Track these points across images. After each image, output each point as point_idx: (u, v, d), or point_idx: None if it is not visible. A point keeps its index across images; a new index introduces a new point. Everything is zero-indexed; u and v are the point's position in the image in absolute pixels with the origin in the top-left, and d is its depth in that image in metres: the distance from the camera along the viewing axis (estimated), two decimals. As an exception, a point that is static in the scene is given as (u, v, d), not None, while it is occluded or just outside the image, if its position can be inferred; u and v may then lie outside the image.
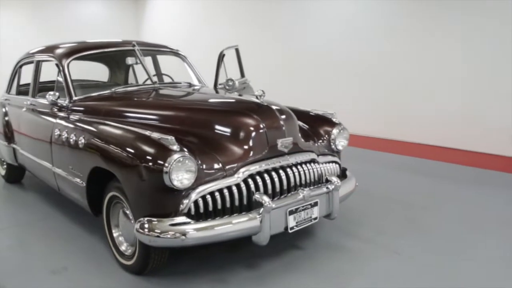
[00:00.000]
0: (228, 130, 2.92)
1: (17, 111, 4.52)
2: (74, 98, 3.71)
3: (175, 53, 4.76)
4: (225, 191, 2.70)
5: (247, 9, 9.30)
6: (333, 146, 3.48)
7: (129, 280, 2.92)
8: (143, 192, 2.62)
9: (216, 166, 2.73)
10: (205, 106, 3.28)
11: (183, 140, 2.84)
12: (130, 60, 4.21)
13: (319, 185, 3.13)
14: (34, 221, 4.02)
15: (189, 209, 2.60)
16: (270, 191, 2.84)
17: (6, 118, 4.78)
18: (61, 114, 3.67)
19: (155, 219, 2.57)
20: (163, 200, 2.58)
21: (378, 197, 4.57)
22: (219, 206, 2.67)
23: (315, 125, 3.57)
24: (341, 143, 3.53)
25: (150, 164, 2.55)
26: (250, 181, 2.78)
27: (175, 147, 2.57)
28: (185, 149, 2.63)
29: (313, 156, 3.17)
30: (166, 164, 2.49)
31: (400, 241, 3.46)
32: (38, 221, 4.02)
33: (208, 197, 2.65)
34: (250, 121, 2.92)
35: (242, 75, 5.58)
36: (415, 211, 4.15)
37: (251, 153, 2.86)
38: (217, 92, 3.98)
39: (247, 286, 2.83)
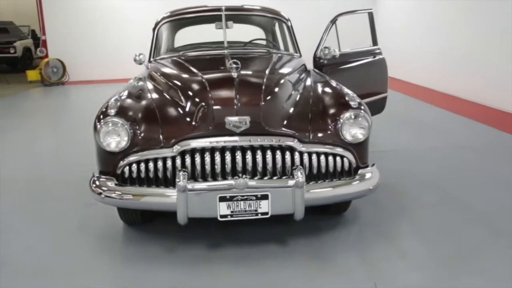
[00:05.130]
0: (182, 100, 2.82)
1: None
2: (152, 58, 4.17)
3: (276, 18, 4.55)
4: (159, 163, 2.66)
5: None
6: (341, 136, 2.77)
7: (117, 224, 3.24)
8: (95, 149, 2.88)
9: (155, 135, 2.70)
10: (186, 74, 3.14)
11: (150, 106, 2.90)
12: (218, 25, 4.32)
13: (280, 177, 2.62)
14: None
15: (124, 173, 2.71)
16: (208, 171, 2.61)
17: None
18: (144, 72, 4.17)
19: (103, 177, 2.78)
20: (102, 160, 2.78)
21: (475, 212, 3.33)
22: (151, 175, 2.67)
23: (328, 105, 2.90)
24: (351, 133, 2.76)
25: (94, 123, 2.77)
26: (187, 156, 2.63)
27: (112, 111, 2.69)
28: (125, 115, 2.71)
29: (285, 142, 2.65)
30: (97, 126, 2.67)
31: (414, 275, 2.55)
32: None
33: (142, 165, 2.68)
34: (201, 93, 2.72)
35: (374, 43, 4.88)
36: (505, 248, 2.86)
37: (195, 128, 2.68)
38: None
39: (184, 262, 2.74)
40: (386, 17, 11.69)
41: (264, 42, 4.80)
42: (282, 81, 3.12)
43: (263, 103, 2.71)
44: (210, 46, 4.36)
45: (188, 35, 5.07)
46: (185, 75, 3.15)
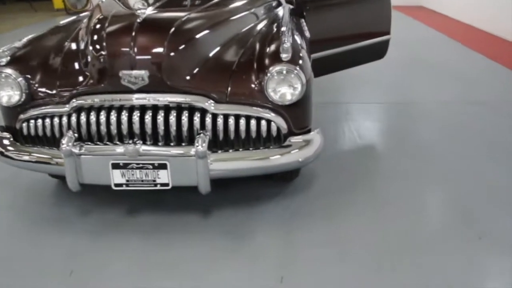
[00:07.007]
0: (89, 48, 2.40)
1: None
2: None
3: None
4: (56, 120, 2.33)
5: None
6: (266, 95, 2.26)
7: (49, 179, 3.05)
8: None
9: (52, 90, 2.35)
10: (105, 16, 2.65)
11: (57, 54, 2.54)
12: None
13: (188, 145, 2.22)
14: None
15: (22, 129, 2.42)
16: (104, 132, 2.26)
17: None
18: None
19: (2, 134, 2.49)
20: (2, 114, 2.50)
21: (454, 190, 2.78)
22: (49, 134, 2.36)
23: (258, 57, 2.37)
24: (279, 93, 2.24)
25: None
26: (83, 115, 2.28)
27: (4, 60, 2.36)
28: (21, 65, 2.38)
29: (191, 101, 2.21)
30: None
31: (337, 269, 2.13)
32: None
33: (39, 122, 2.37)
34: (101, 41, 2.30)
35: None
36: (470, 239, 2.33)
37: (91, 82, 2.29)
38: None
39: (93, 228, 2.49)
40: None
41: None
42: (220, 23, 2.59)
43: (172, 53, 2.24)
44: None
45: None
46: (102, 17, 2.69)
